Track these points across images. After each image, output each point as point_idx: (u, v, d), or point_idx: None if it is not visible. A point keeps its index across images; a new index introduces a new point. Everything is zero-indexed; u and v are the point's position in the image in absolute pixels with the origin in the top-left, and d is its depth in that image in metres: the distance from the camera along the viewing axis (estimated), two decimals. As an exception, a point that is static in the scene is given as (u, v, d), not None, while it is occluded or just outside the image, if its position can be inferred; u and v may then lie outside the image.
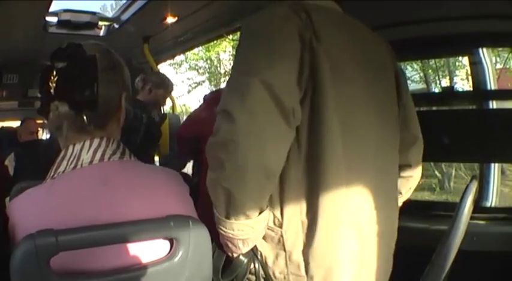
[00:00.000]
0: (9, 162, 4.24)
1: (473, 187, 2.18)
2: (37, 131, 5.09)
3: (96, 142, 1.43)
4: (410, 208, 3.12)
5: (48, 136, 5.88)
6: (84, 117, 1.39)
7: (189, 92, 21.06)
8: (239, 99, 1.37)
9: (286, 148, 1.45)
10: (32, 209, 1.32)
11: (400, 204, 1.93)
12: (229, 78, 1.51)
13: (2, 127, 6.51)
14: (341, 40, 1.60)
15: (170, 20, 3.90)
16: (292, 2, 1.61)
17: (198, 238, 1.39)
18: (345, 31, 1.64)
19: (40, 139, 5.03)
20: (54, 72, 1.38)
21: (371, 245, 1.63)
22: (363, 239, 1.59)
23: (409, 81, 7.76)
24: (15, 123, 6.63)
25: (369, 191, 1.59)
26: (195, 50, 15.61)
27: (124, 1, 4.14)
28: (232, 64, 1.59)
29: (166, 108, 5.58)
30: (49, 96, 1.39)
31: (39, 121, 5.25)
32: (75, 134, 1.43)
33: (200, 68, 20.60)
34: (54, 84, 1.37)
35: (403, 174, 1.93)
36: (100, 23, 4.52)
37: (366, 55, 1.69)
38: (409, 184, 1.99)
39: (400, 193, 1.96)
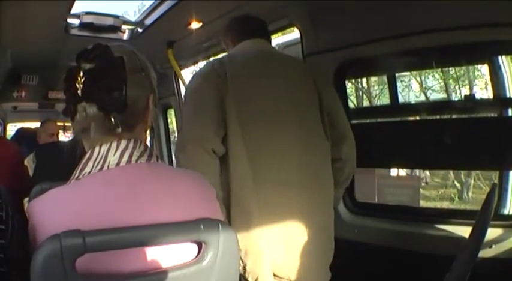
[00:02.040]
0: (29, 162, 4.27)
1: (494, 196, 2.20)
2: (57, 133, 5.10)
3: (123, 143, 1.42)
4: (431, 216, 3.12)
5: (68, 138, 5.90)
6: (112, 120, 1.38)
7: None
8: (182, 151, 2.29)
9: (215, 168, 2.27)
10: (54, 210, 1.31)
11: (341, 192, 2.76)
12: (179, 130, 2.43)
13: (22, 128, 6.54)
14: (253, 78, 2.39)
15: (195, 25, 3.88)
16: (218, 59, 2.50)
17: (227, 241, 1.39)
18: (258, 68, 2.44)
19: (60, 141, 5.03)
20: (81, 73, 1.36)
21: (304, 234, 2.31)
22: (290, 229, 2.28)
23: (430, 91, 7.74)
24: (34, 125, 6.67)
25: (292, 194, 2.30)
26: (220, 56, 15.76)
27: (148, 5, 4.13)
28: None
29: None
30: (76, 97, 1.37)
31: (59, 123, 5.26)
32: (103, 136, 1.42)
33: None
34: (81, 86, 1.36)
35: (336, 165, 2.54)
36: (123, 26, 4.51)
37: (283, 81, 2.42)
38: (345, 173, 2.57)
39: (338, 182, 2.56)
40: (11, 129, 8.02)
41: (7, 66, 5.43)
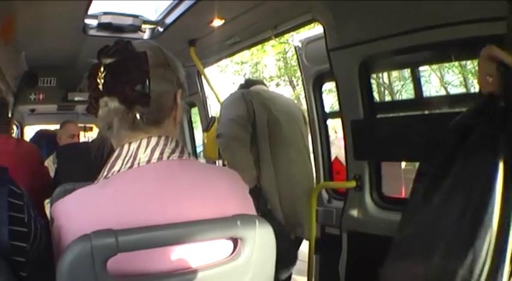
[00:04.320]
0: (49, 164, 4.25)
1: None
2: (78, 134, 5.10)
3: (153, 140, 1.40)
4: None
5: (88, 140, 5.89)
6: (137, 114, 1.36)
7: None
8: (223, 128, 3.53)
9: (247, 143, 3.48)
10: (82, 210, 1.29)
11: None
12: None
13: (41, 130, 6.56)
14: (266, 104, 3.62)
15: (217, 22, 3.86)
16: (245, 90, 3.75)
17: (263, 237, 1.37)
18: (267, 100, 3.68)
19: (84, 142, 5.03)
20: (102, 68, 1.35)
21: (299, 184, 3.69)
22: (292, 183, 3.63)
23: (450, 86, 7.74)
24: (52, 127, 6.68)
25: (292, 167, 3.63)
26: (240, 54, 15.72)
27: (165, 5, 4.11)
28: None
29: (213, 112, 5.58)
30: (97, 92, 1.37)
31: (80, 125, 5.26)
32: (129, 132, 1.40)
33: (246, 72, 20.74)
34: (102, 80, 1.35)
35: None
36: (143, 26, 4.49)
37: (282, 110, 3.71)
38: None
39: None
40: (27, 132, 8.04)
41: (22, 68, 5.43)
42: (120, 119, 1.39)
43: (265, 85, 4.02)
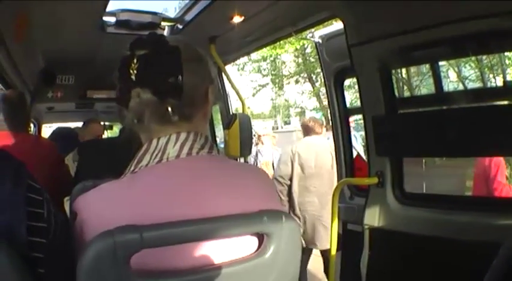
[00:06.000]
0: (69, 162, 4.25)
1: None
2: (102, 134, 5.08)
3: (183, 135, 1.40)
4: (477, 205, 3.09)
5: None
6: (169, 108, 1.36)
7: (253, 95, 21.03)
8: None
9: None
10: (107, 205, 1.30)
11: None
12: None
13: (59, 127, 6.55)
14: (307, 152, 5.94)
15: (237, 19, 3.83)
16: (293, 150, 6.11)
17: (290, 233, 1.37)
18: (309, 148, 5.96)
19: (106, 138, 5.02)
20: (135, 60, 1.36)
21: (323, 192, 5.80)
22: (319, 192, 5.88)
23: (467, 80, 7.75)
24: (71, 125, 6.68)
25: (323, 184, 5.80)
26: (258, 52, 15.64)
27: (187, 1, 4.09)
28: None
29: (234, 108, 5.56)
30: (130, 83, 1.37)
31: (102, 123, 5.24)
32: (159, 126, 1.41)
33: (264, 69, 20.67)
34: (135, 71, 1.35)
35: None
36: (162, 23, 4.47)
37: (319, 151, 5.92)
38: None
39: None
40: (45, 130, 8.04)
41: (39, 66, 5.43)
42: (151, 111, 1.39)
43: (318, 132, 6.06)
